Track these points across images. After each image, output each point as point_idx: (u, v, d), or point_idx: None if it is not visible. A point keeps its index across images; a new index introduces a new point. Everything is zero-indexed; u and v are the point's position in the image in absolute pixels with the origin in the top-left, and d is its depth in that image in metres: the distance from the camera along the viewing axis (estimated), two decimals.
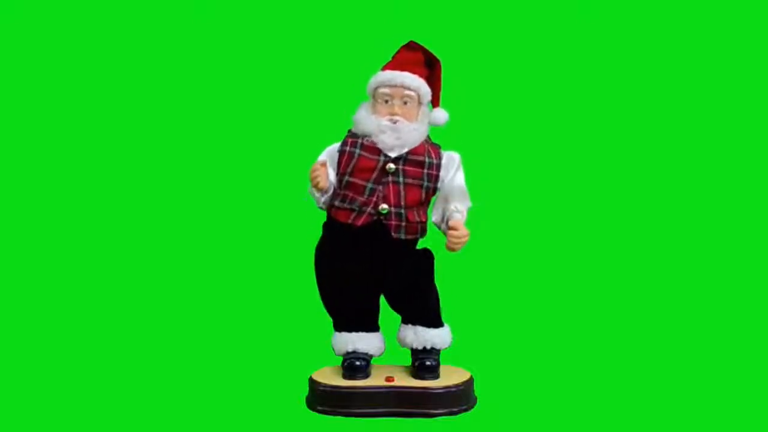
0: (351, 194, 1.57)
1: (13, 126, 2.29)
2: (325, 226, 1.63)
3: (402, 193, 1.57)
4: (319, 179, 1.54)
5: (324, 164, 1.56)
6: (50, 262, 2.24)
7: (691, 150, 2.31)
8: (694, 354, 1.89)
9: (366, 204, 1.57)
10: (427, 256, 1.63)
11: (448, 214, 1.58)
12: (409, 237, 1.59)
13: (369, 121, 1.58)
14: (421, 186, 1.58)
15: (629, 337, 1.98)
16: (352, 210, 1.57)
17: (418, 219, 1.59)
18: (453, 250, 1.56)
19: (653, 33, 2.29)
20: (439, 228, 1.61)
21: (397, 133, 1.56)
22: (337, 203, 1.59)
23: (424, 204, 1.61)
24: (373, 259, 1.59)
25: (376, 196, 1.57)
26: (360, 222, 1.57)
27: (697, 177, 2.31)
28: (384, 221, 1.57)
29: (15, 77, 2.28)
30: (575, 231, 2.28)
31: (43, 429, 1.52)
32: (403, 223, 1.58)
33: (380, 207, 1.57)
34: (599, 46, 2.28)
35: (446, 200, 1.59)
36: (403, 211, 1.57)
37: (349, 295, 1.62)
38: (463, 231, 1.55)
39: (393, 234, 1.57)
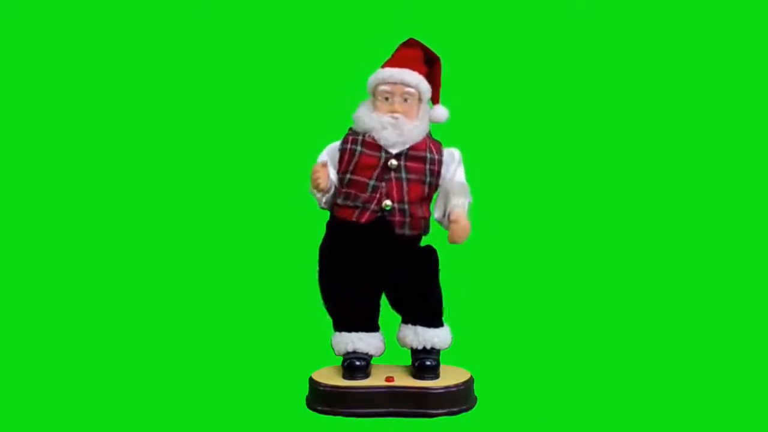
0: (353, 192, 1.57)
1: (13, 126, 2.29)
2: (329, 224, 1.63)
3: (405, 189, 1.57)
4: (319, 180, 1.54)
5: (324, 165, 1.57)
6: (51, 263, 2.23)
7: (690, 144, 2.30)
8: (694, 353, 1.89)
9: (369, 201, 1.57)
10: (431, 253, 1.63)
11: (449, 209, 1.58)
12: (413, 233, 1.59)
13: (370, 118, 1.58)
14: (424, 182, 1.58)
15: (629, 337, 1.98)
16: (356, 207, 1.57)
17: (421, 215, 1.59)
18: (456, 242, 1.56)
19: (651, 28, 2.28)
20: (441, 224, 1.61)
21: (398, 130, 1.57)
22: (339, 201, 1.59)
23: (427, 200, 1.61)
24: (377, 256, 1.59)
25: (378, 192, 1.57)
26: (364, 219, 1.57)
27: (696, 172, 2.31)
28: (388, 217, 1.57)
29: (15, 77, 2.28)
30: (575, 230, 2.27)
31: (43, 429, 1.52)
32: (407, 219, 1.58)
33: (383, 203, 1.57)
34: (598, 43, 2.27)
35: (447, 196, 1.59)
36: (406, 206, 1.57)
37: (351, 294, 1.62)
38: (465, 222, 1.55)
39: (397, 230, 1.57)
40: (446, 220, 1.58)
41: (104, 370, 1.78)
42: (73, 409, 1.59)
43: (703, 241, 2.28)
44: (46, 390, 1.68)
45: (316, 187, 1.55)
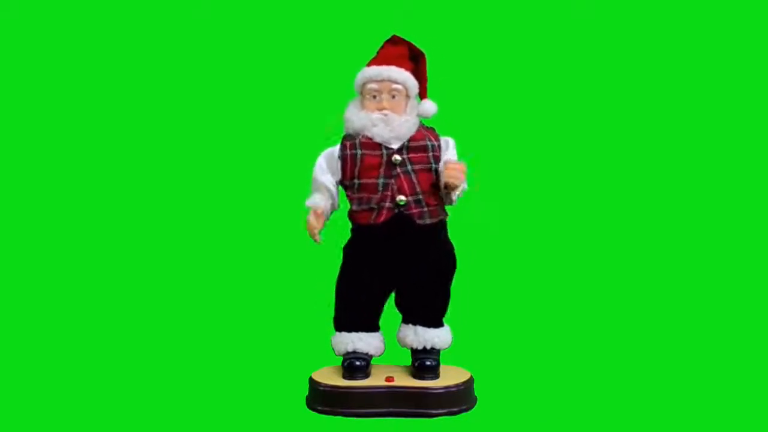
0: (366, 195, 1.58)
1: (14, 126, 2.29)
2: (353, 229, 1.63)
3: (415, 181, 1.58)
4: (314, 236, 1.58)
5: (319, 214, 1.59)
6: (51, 264, 2.23)
7: (685, 139, 2.30)
8: (694, 354, 1.89)
9: (382, 200, 1.57)
10: (451, 254, 1.63)
11: (441, 170, 1.58)
12: (434, 220, 1.60)
13: (358, 117, 1.60)
14: (430, 169, 1.59)
15: (629, 337, 1.98)
16: (371, 210, 1.58)
17: (436, 201, 1.60)
18: (455, 182, 1.54)
19: (638, 23, 2.28)
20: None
21: (389, 126, 1.58)
22: (354, 207, 1.60)
23: (437, 185, 1.61)
24: (399, 253, 1.59)
25: (389, 189, 1.57)
26: (381, 219, 1.57)
27: (693, 169, 2.31)
28: (405, 212, 1.57)
29: (15, 77, 2.28)
30: (574, 229, 2.27)
31: (44, 429, 1.52)
32: (425, 209, 1.58)
33: (397, 199, 1.57)
34: (587, 37, 2.27)
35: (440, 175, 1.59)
36: (421, 197, 1.58)
37: (366, 296, 1.62)
38: (457, 163, 1.56)
39: (418, 221, 1.58)
40: (443, 191, 1.59)
41: (105, 370, 1.79)
42: (74, 409, 1.59)
43: (701, 240, 2.28)
44: (46, 390, 1.68)
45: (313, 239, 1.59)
